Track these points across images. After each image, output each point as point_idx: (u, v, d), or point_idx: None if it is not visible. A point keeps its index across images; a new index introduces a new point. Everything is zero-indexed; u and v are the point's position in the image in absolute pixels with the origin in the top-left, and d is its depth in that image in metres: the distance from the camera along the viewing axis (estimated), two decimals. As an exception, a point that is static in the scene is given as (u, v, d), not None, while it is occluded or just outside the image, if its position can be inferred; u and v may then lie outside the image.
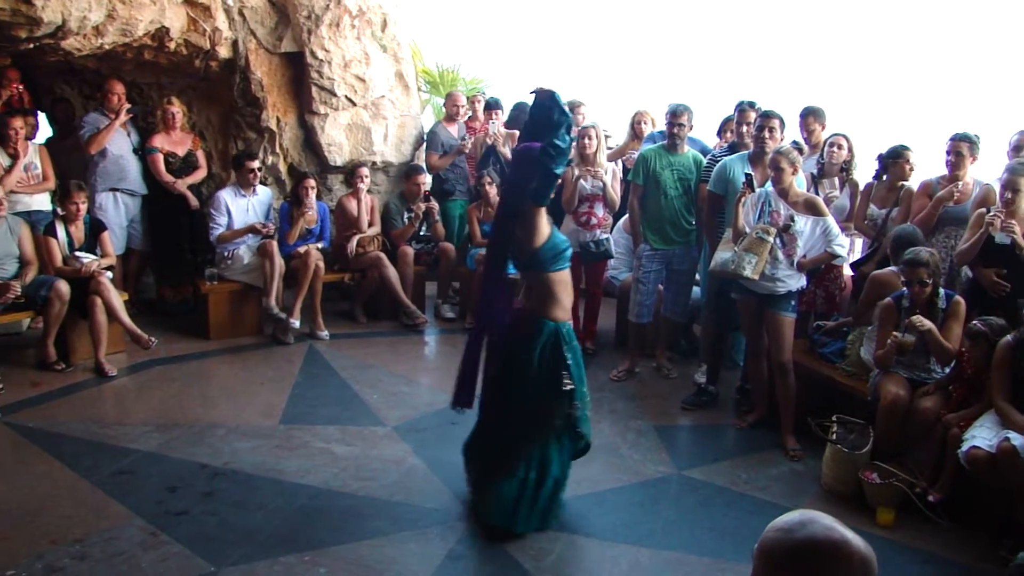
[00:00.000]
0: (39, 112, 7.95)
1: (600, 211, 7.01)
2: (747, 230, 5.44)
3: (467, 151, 8.50)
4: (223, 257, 7.50)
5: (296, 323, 7.46)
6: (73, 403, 5.98)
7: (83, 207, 6.68)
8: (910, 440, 4.98)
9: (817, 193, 6.08)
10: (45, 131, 8.23)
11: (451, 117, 8.75)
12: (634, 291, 6.74)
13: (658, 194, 6.56)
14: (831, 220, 5.43)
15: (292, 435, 5.54)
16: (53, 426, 5.55)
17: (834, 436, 5.08)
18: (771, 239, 5.32)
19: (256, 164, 7.67)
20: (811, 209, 5.39)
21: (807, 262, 5.45)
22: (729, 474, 5.21)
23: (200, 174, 7.95)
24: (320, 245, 7.81)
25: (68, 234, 6.66)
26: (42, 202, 7.19)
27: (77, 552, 4.06)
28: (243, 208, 7.56)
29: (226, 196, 7.51)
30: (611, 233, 7.29)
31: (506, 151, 8.40)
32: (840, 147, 6.49)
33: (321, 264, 7.61)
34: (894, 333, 4.98)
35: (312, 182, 7.84)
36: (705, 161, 6.61)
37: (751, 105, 6.33)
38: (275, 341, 7.41)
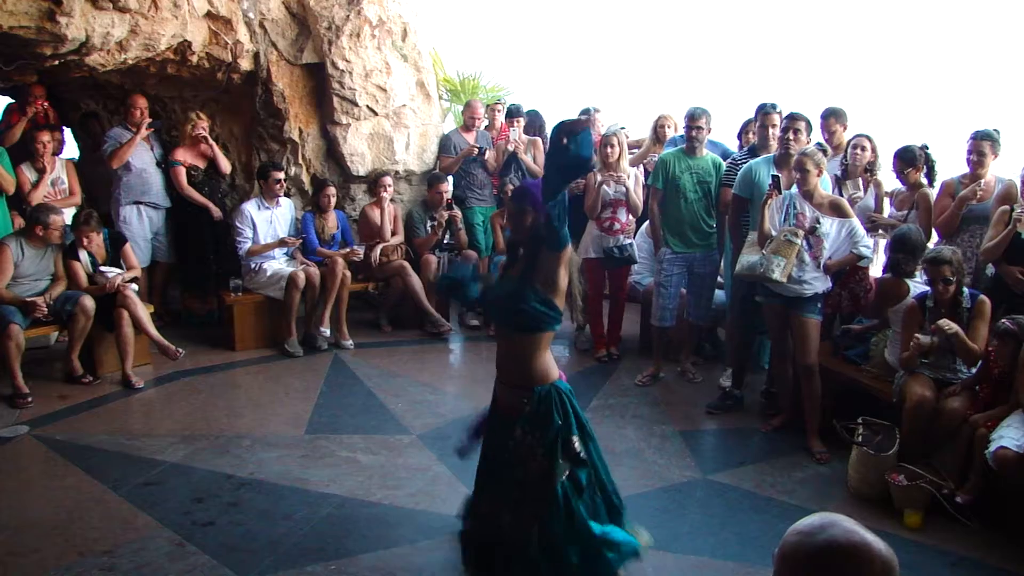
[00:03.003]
0: (64, 128, 8.05)
1: (623, 216, 7.00)
2: (773, 233, 5.42)
3: (475, 153, 8.52)
4: (250, 270, 7.55)
5: (327, 331, 7.51)
6: (100, 415, 6.05)
7: (94, 236, 6.63)
8: (937, 441, 4.93)
9: (840, 194, 6.05)
10: (71, 147, 8.33)
11: (468, 127, 8.77)
12: (656, 295, 6.73)
13: (678, 198, 6.55)
14: (856, 222, 5.41)
15: (317, 444, 5.57)
16: (81, 438, 5.61)
17: (860, 438, 5.04)
18: (799, 241, 5.29)
19: (281, 175, 7.72)
20: (836, 211, 5.36)
21: (833, 264, 5.42)
22: (755, 478, 5.18)
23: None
24: (358, 249, 7.91)
25: (90, 253, 6.72)
26: (69, 217, 7.27)
27: (105, 563, 4.10)
28: (266, 220, 7.61)
29: (250, 209, 7.56)
30: (634, 238, 7.29)
31: (527, 158, 8.41)
32: (863, 148, 6.44)
33: (348, 273, 7.66)
34: (916, 335, 4.94)
35: (332, 190, 7.94)
36: (725, 164, 6.60)
37: (773, 107, 6.30)
38: (307, 346, 7.51)
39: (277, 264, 7.60)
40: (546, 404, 3.46)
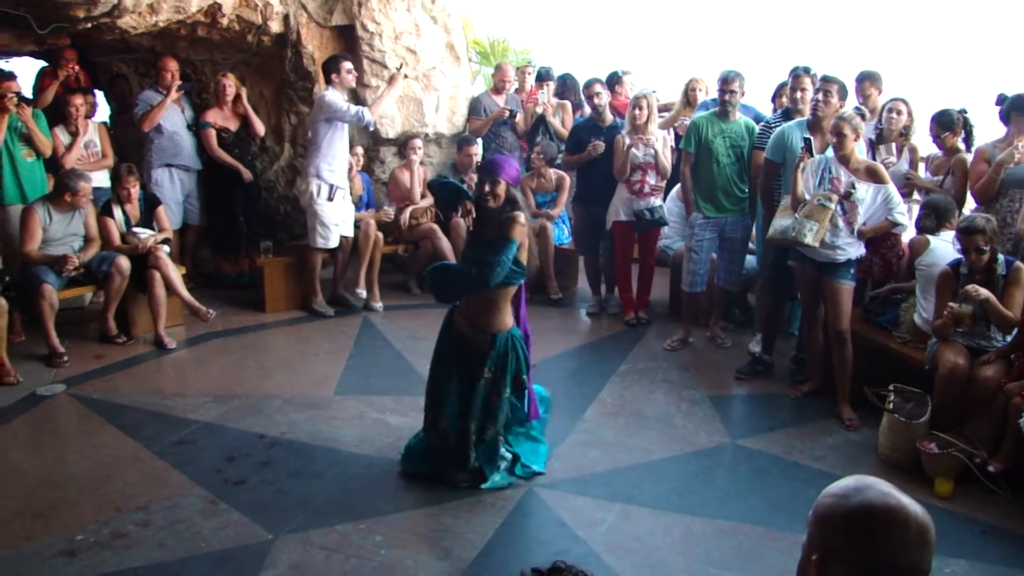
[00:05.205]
0: (96, 91, 8.08)
1: (653, 179, 6.95)
2: (807, 197, 5.35)
3: (506, 116, 8.45)
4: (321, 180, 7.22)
5: (363, 293, 7.55)
6: (134, 375, 6.12)
7: (135, 190, 6.77)
8: (970, 409, 4.86)
9: (873, 159, 5.96)
10: (103, 110, 8.37)
11: (498, 90, 8.71)
12: (687, 260, 6.68)
13: (710, 162, 6.48)
14: (892, 188, 5.32)
15: (347, 405, 5.60)
16: (116, 397, 5.68)
17: (891, 405, 4.99)
18: (833, 206, 5.22)
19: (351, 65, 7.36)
20: (873, 176, 5.28)
21: (868, 230, 5.34)
22: (784, 444, 5.16)
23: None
24: (389, 210, 7.89)
25: (124, 212, 6.77)
26: (101, 179, 7.33)
27: (140, 519, 4.17)
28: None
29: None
30: (664, 202, 7.24)
31: (556, 121, 8.36)
32: (899, 112, 6.34)
33: (380, 235, 7.67)
34: (950, 304, 4.87)
35: (359, 151, 7.96)
36: (758, 128, 6.51)
37: (806, 71, 6.20)
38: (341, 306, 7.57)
39: (347, 204, 7.49)
40: (505, 348, 4.44)
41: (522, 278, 4.47)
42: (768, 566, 3.94)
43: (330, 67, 7.15)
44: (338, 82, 7.10)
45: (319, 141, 7.09)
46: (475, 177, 7.95)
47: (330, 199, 7.17)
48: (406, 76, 8.02)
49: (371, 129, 7.80)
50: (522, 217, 4.36)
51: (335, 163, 7.18)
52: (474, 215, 4.49)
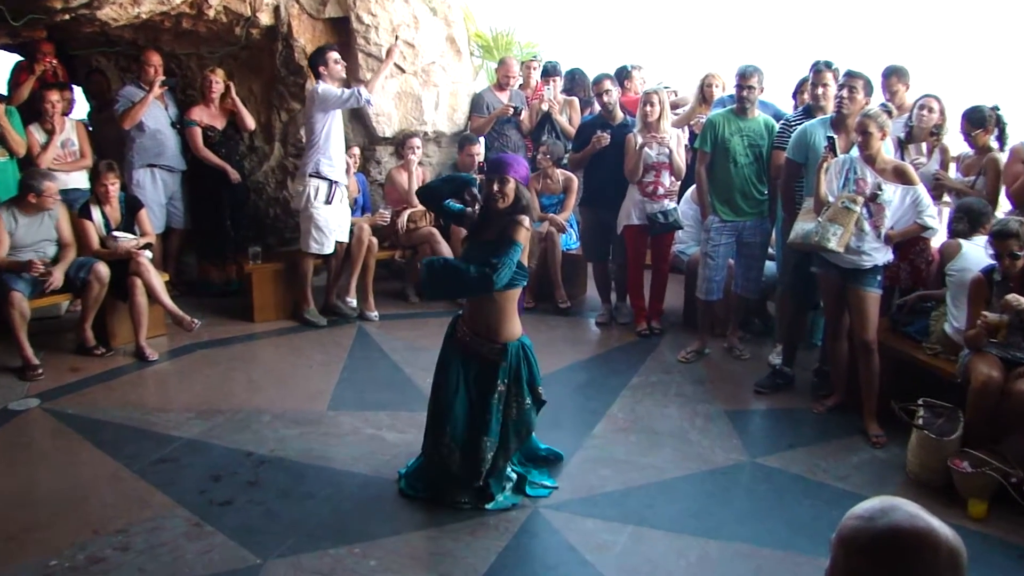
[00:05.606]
0: (74, 86, 8.10)
1: (667, 180, 6.97)
2: (830, 199, 5.35)
3: (510, 114, 8.47)
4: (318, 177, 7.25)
5: (353, 301, 7.56)
6: (113, 388, 6.12)
7: (113, 188, 6.76)
8: (1005, 425, 4.85)
9: (902, 159, 5.97)
10: (81, 106, 8.39)
11: (502, 86, 8.73)
12: (702, 266, 6.68)
13: (727, 162, 6.49)
14: (922, 189, 5.32)
15: (341, 421, 5.60)
16: (93, 412, 5.68)
17: (920, 421, 4.99)
18: (858, 208, 5.22)
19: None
20: (900, 177, 5.28)
21: (895, 234, 5.34)
22: (806, 462, 5.15)
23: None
24: (385, 213, 7.89)
25: (104, 215, 6.78)
26: (79, 180, 7.36)
27: (120, 543, 4.16)
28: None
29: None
30: (678, 204, 7.24)
31: (563, 119, 8.37)
32: (931, 110, 6.35)
33: (374, 240, 7.68)
34: (983, 313, 4.86)
35: (355, 151, 8.00)
36: (778, 126, 6.52)
37: (827, 65, 6.20)
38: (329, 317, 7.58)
39: (344, 207, 7.52)
40: (517, 358, 4.43)
41: (525, 281, 4.47)
42: (789, 592, 3.94)
43: (317, 60, 7.19)
44: (327, 74, 7.13)
45: (316, 136, 7.11)
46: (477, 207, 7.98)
47: (328, 202, 7.19)
48: (403, 53, 8.07)
49: (370, 106, 7.81)
50: (527, 221, 4.39)
51: (335, 158, 7.21)
52: (480, 205, 4.50)
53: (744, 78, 6.43)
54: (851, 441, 5.43)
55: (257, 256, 7.56)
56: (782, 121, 6.56)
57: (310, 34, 8.11)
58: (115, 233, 6.73)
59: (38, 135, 7.13)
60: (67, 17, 6.56)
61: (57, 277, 6.33)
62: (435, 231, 7.91)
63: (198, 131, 7.71)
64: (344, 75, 7.35)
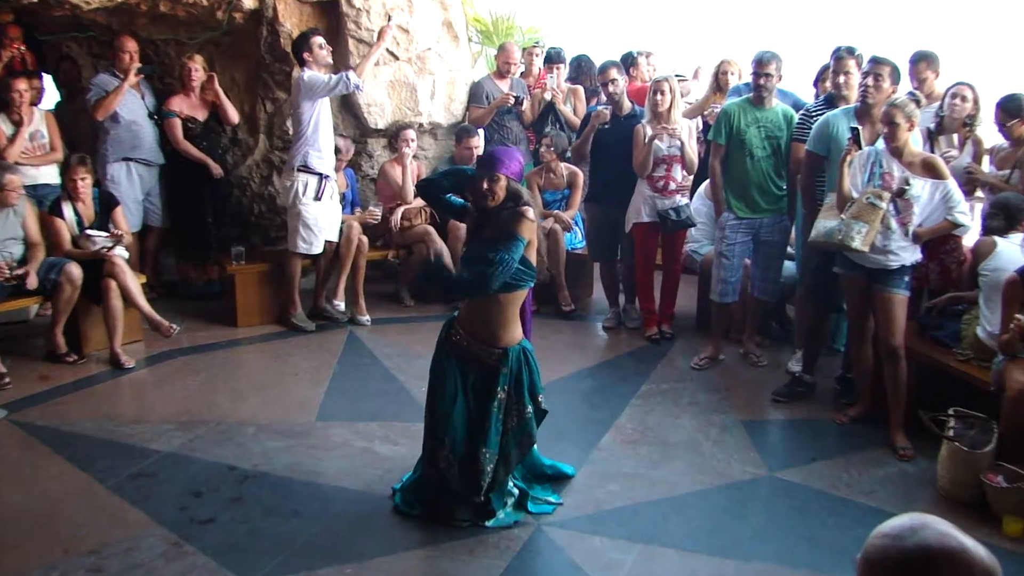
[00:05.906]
0: (44, 74, 8.09)
1: (679, 174, 6.96)
2: (854, 195, 5.34)
3: (510, 103, 8.45)
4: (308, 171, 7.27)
5: (341, 305, 7.55)
6: (86, 398, 6.11)
7: (84, 183, 6.73)
8: (1043, 437, 4.86)
9: (932, 151, 5.96)
10: (51, 96, 8.37)
11: (502, 73, 8.72)
12: (717, 267, 6.67)
13: (743, 155, 6.47)
14: (953, 184, 5.29)
15: (330, 433, 5.59)
16: (65, 424, 5.66)
17: (951, 432, 4.97)
18: (884, 205, 5.20)
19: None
20: (930, 171, 5.26)
21: (924, 232, 5.33)
22: (828, 476, 5.14)
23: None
24: (375, 210, 7.89)
25: (76, 212, 6.75)
26: (49, 175, 7.31)
27: (92, 564, 4.14)
28: None
29: None
30: (691, 200, 7.23)
31: (567, 109, 8.37)
32: (964, 99, 6.33)
33: (364, 239, 7.67)
34: (1018, 316, 4.85)
35: (348, 144, 7.99)
36: (798, 117, 6.51)
37: (850, 51, 6.20)
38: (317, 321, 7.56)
39: (335, 204, 7.53)
40: (519, 363, 4.42)
41: (532, 281, 4.44)
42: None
43: (300, 46, 7.19)
44: (312, 60, 7.13)
45: (303, 127, 7.11)
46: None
47: (317, 198, 7.18)
48: (396, 39, 8.07)
49: (360, 92, 7.80)
50: (531, 212, 4.35)
51: (324, 151, 7.21)
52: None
53: (761, 65, 6.41)
54: (877, 454, 5.41)
55: (241, 256, 7.53)
56: (802, 111, 6.55)
57: (297, 18, 8.10)
58: (89, 232, 6.70)
59: (5, 127, 7.09)
60: (35, 0, 6.55)
61: (33, 277, 6.32)
62: (431, 229, 7.89)
63: (178, 123, 7.69)
64: (331, 60, 7.34)
